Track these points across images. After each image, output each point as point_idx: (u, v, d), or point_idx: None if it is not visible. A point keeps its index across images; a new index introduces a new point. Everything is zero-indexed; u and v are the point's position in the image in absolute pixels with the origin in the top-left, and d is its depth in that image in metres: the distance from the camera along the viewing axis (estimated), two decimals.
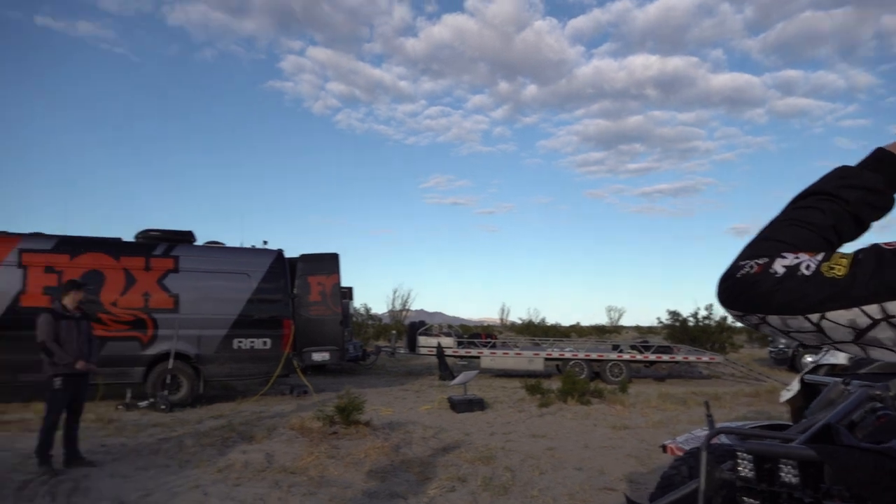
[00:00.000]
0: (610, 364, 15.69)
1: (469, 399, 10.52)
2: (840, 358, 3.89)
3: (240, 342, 11.54)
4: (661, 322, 24.34)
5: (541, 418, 9.80)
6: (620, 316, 56.19)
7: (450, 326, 19.41)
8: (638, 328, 57.77)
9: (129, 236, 11.76)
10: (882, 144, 1.11)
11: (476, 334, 19.90)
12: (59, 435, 6.63)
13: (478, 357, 16.53)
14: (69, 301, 6.76)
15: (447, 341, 16.82)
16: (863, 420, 2.89)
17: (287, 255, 12.63)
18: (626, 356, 15.83)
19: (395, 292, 41.44)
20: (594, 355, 15.97)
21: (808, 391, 3.77)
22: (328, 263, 14.08)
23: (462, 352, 16.86)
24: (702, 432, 3.23)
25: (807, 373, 3.96)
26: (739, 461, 2.44)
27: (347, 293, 17.79)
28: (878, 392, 3.02)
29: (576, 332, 46.52)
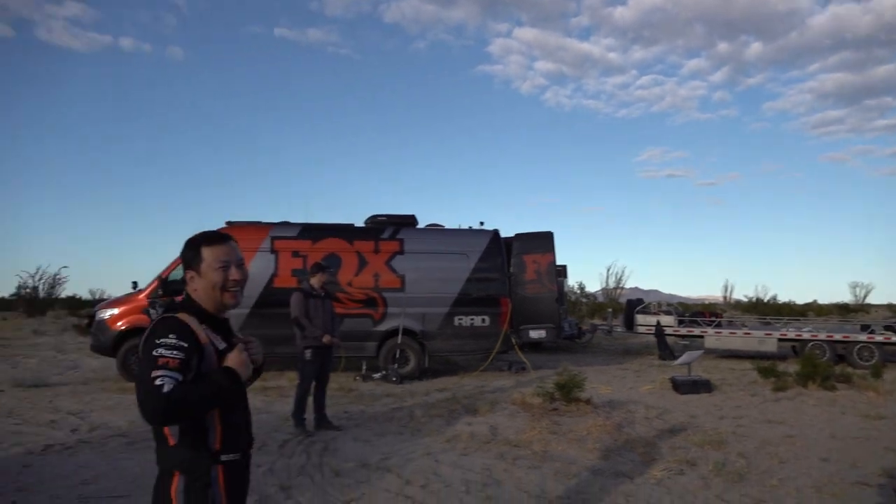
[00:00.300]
0: (858, 346, 14.01)
1: (694, 380, 10.02)
2: None
3: (460, 319, 12.06)
4: None
5: (776, 403, 9.05)
6: (867, 293, 49.71)
7: (669, 304, 18.60)
8: (890, 306, 50.82)
9: (359, 222, 12.80)
10: None
11: (699, 312, 18.84)
12: (309, 401, 7.44)
13: (701, 336, 15.65)
14: (316, 282, 7.53)
15: (667, 320, 16.13)
16: None
17: (502, 234, 12.93)
18: (878, 338, 14.04)
19: (608, 270, 40.39)
20: (838, 336, 14.37)
21: None
22: (543, 242, 14.16)
23: (683, 331, 16.08)
24: None
25: None
26: None
27: (562, 271, 17.74)
28: None
29: (813, 311, 42.09)
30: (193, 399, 1.90)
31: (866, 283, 49.13)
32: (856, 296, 49.32)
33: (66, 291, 39.55)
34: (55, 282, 37.05)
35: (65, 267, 55.45)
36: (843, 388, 10.06)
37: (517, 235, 14.29)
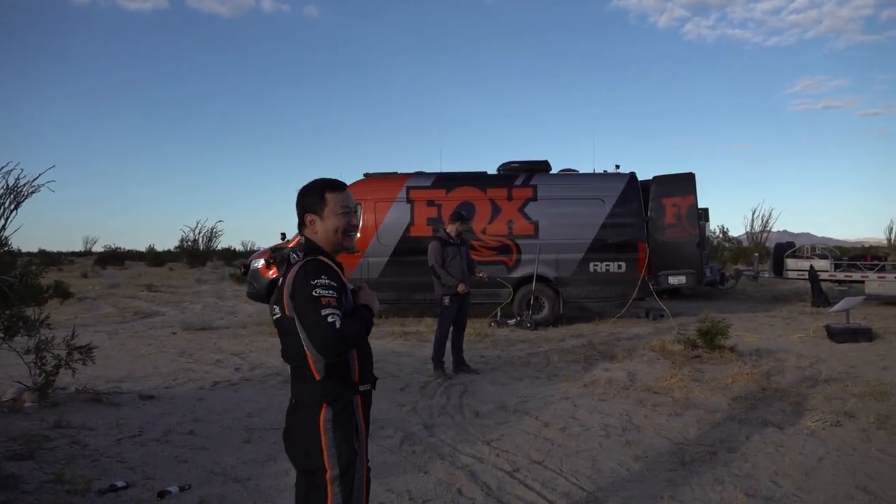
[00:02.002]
0: None
1: (853, 328, 9.32)
2: None
3: (595, 265, 11.88)
4: None
5: None
6: None
7: (824, 247, 17.25)
8: None
9: (492, 169, 12.81)
10: None
11: (859, 256, 17.35)
12: (448, 346, 7.69)
13: (862, 282, 14.43)
14: (452, 230, 7.68)
15: (821, 264, 14.99)
16: None
17: (641, 177, 12.49)
18: None
19: (754, 212, 37.83)
20: None
21: None
22: (683, 184, 13.49)
23: (841, 276, 14.88)
24: None
25: None
26: None
27: (703, 214, 16.84)
28: None
29: None
30: (355, 332, 2.10)
31: None
32: None
33: (221, 244, 42.97)
34: (212, 235, 40.34)
35: (220, 221, 60.13)
36: None
37: (655, 178, 13.70)
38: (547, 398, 6.35)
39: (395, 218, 11.93)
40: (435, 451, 4.80)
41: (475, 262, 8.19)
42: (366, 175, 12.51)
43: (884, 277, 14.20)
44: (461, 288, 7.47)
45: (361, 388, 2.28)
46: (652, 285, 12.43)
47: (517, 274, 11.88)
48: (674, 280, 13.17)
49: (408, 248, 11.66)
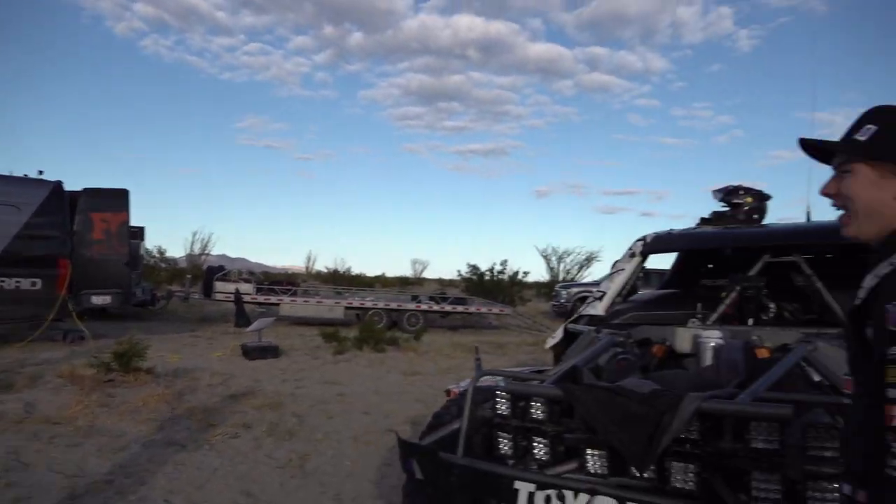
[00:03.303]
0: (408, 314, 16.18)
1: (263, 346, 10.33)
2: (599, 309, 4.33)
3: (3, 282, 10.30)
4: (460, 275, 25.54)
5: (335, 365, 9.91)
6: (424, 268, 57.86)
7: (250, 272, 18.83)
8: (440, 281, 59.93)
9: None
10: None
11: (277, 281, 19.50)
12: None
13: (277, 304, 16.24)
14: None
15: (246, 287, 16.30)
16: (607, 364, 3.28)
17: (71, 188, 11.43)
18: (423, 306, 16.43)
19: (194, 235, 38.94)
20: (393, 305, 16.38)
21: (571, 339, 4.18)
22: (116, 199, 12.90)
23: (261, 298, 16.45)
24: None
25: (569, 322, 4.37)
26: (498, 400, 2.67)
27: (137, 233, 16.45)
28: (620, 339, 3.44)
29: (380, 282, 47.16)
30: None
31: (424, 259, 56.93)
32: (415, 270, 56.91)
33: None
34: None
35: None
36: (391, 350, 11.49)
37: (86, 190, 12.74)
38: None
39: None
40: None
41: None
42: None
43: (295, 301, 16.26)
44: None
45: None
46: (73, 305, 11.43)
47: None
48: (98, 300, 12.43)
49: None
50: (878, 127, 1.34)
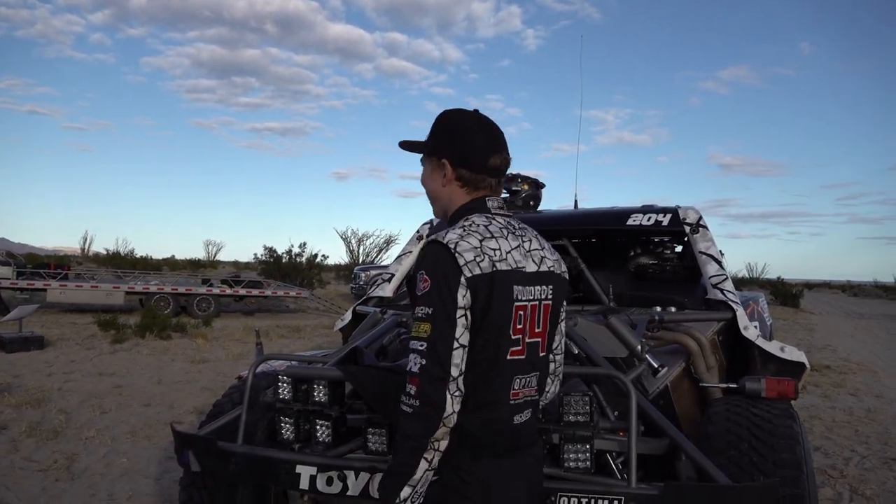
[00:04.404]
0: (198, 298, 15.34)
1: (24, 337, 9.20)
2: (387, 291, 4.39)
3: None
4: (257, 258, 24.65)
5: (112, 356, 9.11)
6: (218, 250, 55.08)
7: (10, 254, 16.62)
8: (236, 263, 57.50)
9: None
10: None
11: (44, 264, 17.44)
12: None
13: (44, 290, 14.54)
14: None
15: (3, 271, 14.37)
16: (391, 344, 3.35)
17: None
18: (215, 290, 15.65)
19: None
20: (182, 289, 15.42)
21: (359, 320, 4.20)
22: None
23: (23, 284, 14.61)
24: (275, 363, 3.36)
25: (358, 304, 4.39)
26: (280, 385, 2.61)
27: None
28: (404, 319, 3.52)
29: (168, 265, 44.14)
30: None
31: (218, 241, 54.11)
32: (209, 253, 54.01)
33: None
34: None
35: None
36: (178, 337, 10.82)
37: None
38: None
39: None
40: None
41: None
42: None
43: (66, 286, 14.68)
44: None
45: None
46: None
47: None
48: None
49: None
50: (432, 129, 1.68)
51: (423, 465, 1.41)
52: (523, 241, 1.59)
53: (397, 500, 1.41)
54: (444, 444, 1.44)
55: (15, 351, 8.81)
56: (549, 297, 1.61)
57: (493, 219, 1.59)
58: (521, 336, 1.54)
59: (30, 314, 10.09)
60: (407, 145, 1.74)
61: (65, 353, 9.11)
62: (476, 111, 1.66)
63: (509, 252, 1.52)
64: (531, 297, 1.55)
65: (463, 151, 1.60)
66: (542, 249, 1.64)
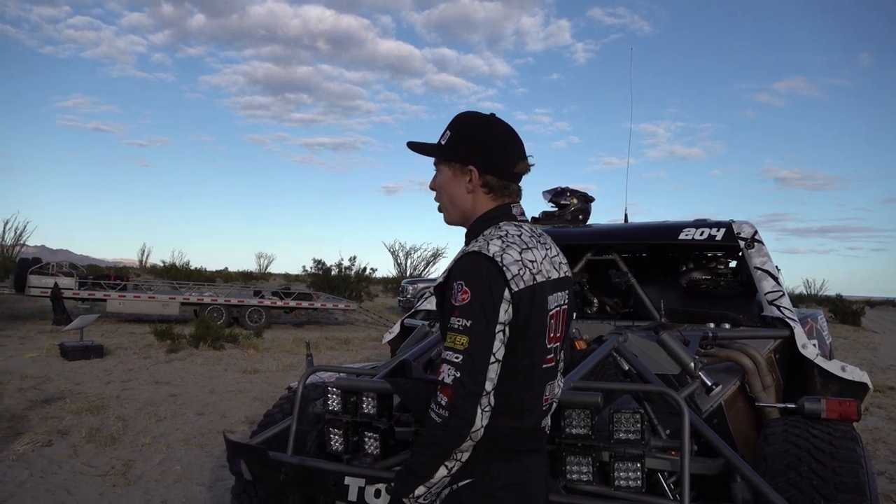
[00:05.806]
0: (249, 310, 15.63)
1: (85, 345, 9.52)
2: (434, 304, 4.41)
3: None
4: (306, 270, 25.02)
5: (168, 364, 9.35)
6: (269, 263, 56.16)
7: (72, 265, 17.27)
8: (286, 276, 58.48)
9: None
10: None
11: (104, 275, 18.06)
12: None
13: (104, 300, 15.04)
14: None
15: (66, 281, 14.93)
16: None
17: None
18: (266, 302, 15.94)
19: (6, 224, 34.97)
20: (234, 300, 15.75)
21: (407, 333, 4.22)
22: None
23: (85, 294, 15.15)
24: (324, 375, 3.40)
25: (406, 317, 4.42)
26: (329, 396, 2.64)
27: None
28: None
29: (222, 277, 45.20)
30: None
31: (270, 253, 55.16)
32: (260, 265, 55.11)
33: None
34: None
35: None
36: (230, 347, 11.04)
37: None
38: None
39: None
40: None
41: None
42: None
43: (124, 296, 15.16)
44: None
45: None
46: None
47: None
48: None
49: None
50: (451, 133, 1.62)
51: (442, 471, 1.42)
52: (548, 249, 1.59)
53: (410, 496, 1.43)
54: (466, 455, 1.44)
55: (76, 359, 9.12)
56: (566, 301, 1.63)
57: (521, 227, 1.58)
58: (554, 344, 1.56)
59: (91, 324, 10.43)
60: (418, 147, 1.70)
61: (123, 361, 9.39)
62: (493, 115, 1.64)
63: (542, 262, 1.53)
64: (556, 304, 1.57)
65: (491, 158, 1.58)
66: (559, 255, 1.65)
